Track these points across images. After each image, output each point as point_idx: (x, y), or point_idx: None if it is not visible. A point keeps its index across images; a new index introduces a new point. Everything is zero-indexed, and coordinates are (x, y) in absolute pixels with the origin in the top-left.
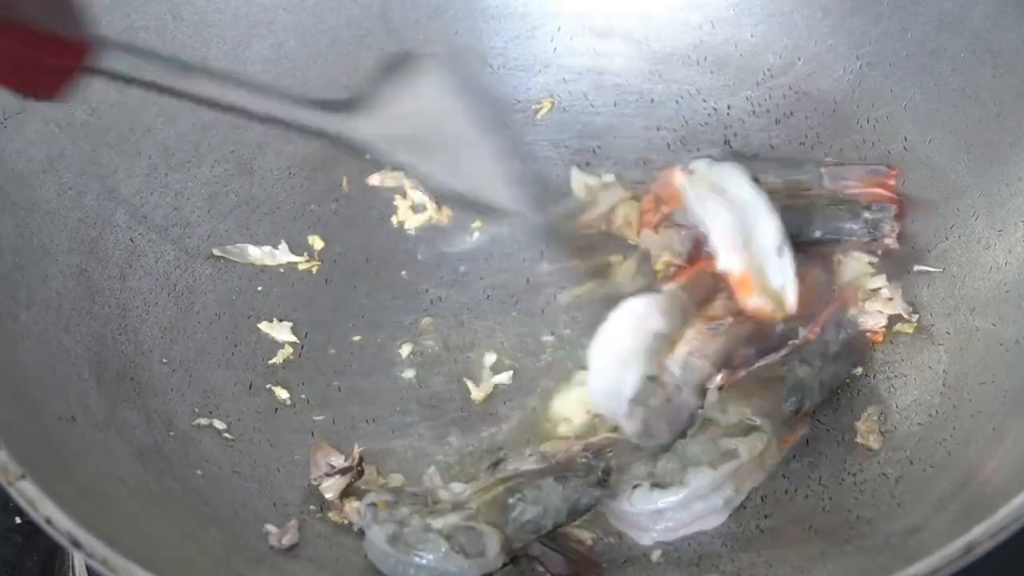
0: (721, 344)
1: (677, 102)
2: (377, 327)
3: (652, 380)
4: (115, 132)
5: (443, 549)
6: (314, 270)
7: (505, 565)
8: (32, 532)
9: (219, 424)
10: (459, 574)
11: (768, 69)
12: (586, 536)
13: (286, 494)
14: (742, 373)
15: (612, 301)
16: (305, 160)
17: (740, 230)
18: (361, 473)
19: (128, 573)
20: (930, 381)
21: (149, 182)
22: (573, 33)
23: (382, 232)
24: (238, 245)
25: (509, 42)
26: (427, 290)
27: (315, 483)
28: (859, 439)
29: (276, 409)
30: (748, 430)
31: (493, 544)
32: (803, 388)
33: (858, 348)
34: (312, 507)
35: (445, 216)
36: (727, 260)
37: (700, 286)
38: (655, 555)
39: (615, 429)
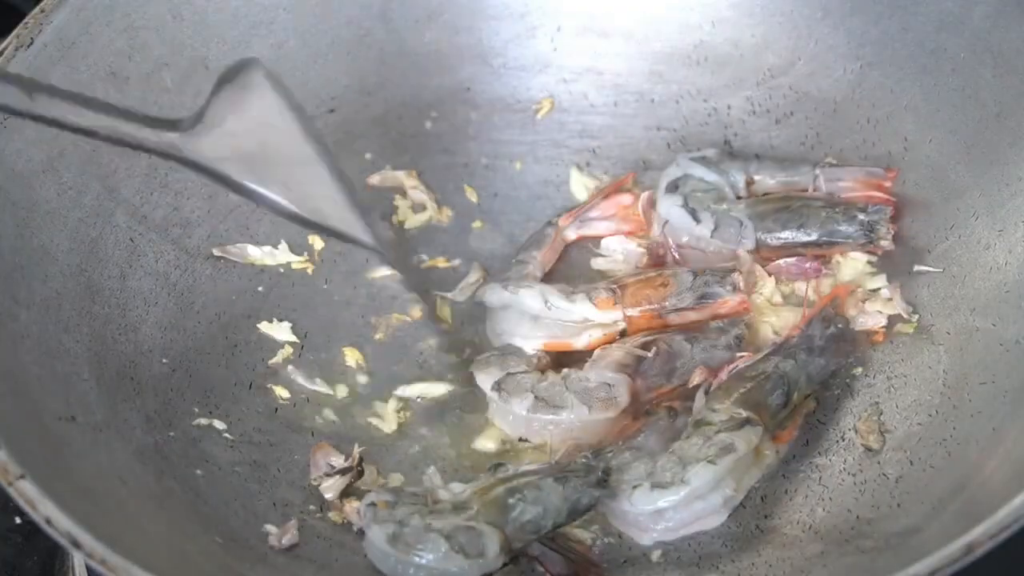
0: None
1: (677, 102)
2: (377, 327)
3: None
4: None
5: (443, 549)
6: (310, 270)
7: (505, 565)
8: (32, 532)
9: (219, 424)
10: (459, 574)
11: (768, 69)
12: (586, 536)
13: (286, 494)
14: (724, 376)
15: None
16: None
17: None
18: (361, 473)
19: (128, 573)
20: (930, 381)
21: (149, 182)
22: (573, 33)
23: (382, 232)
24: (238, 245)
25: (509, 42)
26: (427, 290)
27: (315, 483)
28: (859, 439)
29: (276, 409)
30: (741, 424)
31: (493, 544)
32: (788, 381)
33: (847, 340)
34: (312, 507)
35: (445, 216)
36: None
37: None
38: (655, 555)
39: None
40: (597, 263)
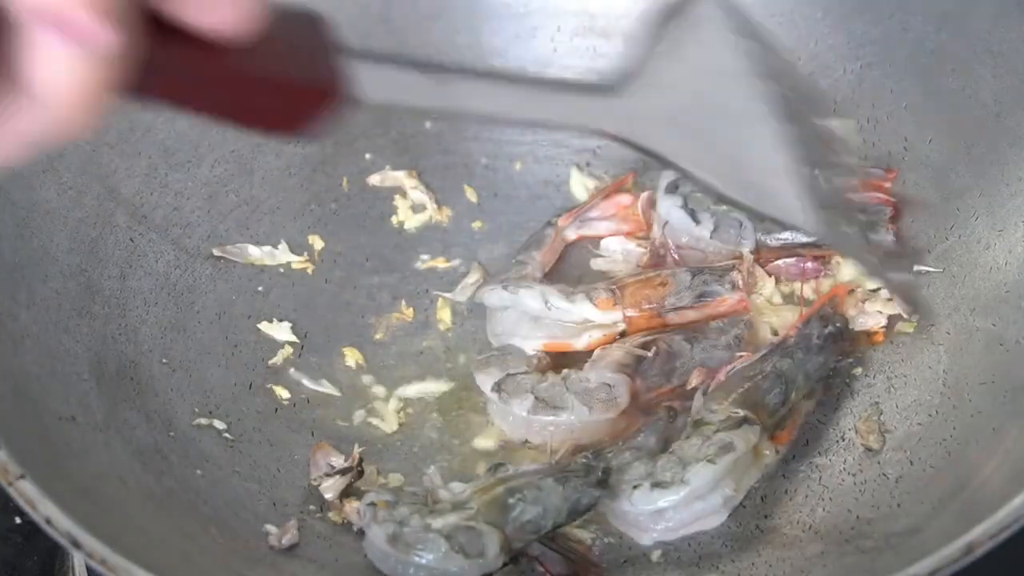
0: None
1: None
2: (377, 327)
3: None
4: (115, 132)
5: (443, 549)
6: (310, 270)
7: (505, 565)
8: (32, 532)
9: (219, 424)
10: (459, 574)
11: None
12: (586, 536)
13: (286, 494)
14: (722, 376)
15: None
16: (305, 160)
17: None
18: (361, 473)
19: (128, 573)
20: (930, 381)
21: (149, 182)
22: (573, 33)
23: (382, 232)
24: (238, 245)
25: (509, 42)
26: (427, 290)
27: (315, 483)
28: (859, 439)
29: (276, 409)
30: (739, 422)
31: (493, 544)
32: (785, 379)
33: (846, 339)
34: (312, 507)
35: (445, 216)
36: None
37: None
38: (655, 555)
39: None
40: (597, 263)
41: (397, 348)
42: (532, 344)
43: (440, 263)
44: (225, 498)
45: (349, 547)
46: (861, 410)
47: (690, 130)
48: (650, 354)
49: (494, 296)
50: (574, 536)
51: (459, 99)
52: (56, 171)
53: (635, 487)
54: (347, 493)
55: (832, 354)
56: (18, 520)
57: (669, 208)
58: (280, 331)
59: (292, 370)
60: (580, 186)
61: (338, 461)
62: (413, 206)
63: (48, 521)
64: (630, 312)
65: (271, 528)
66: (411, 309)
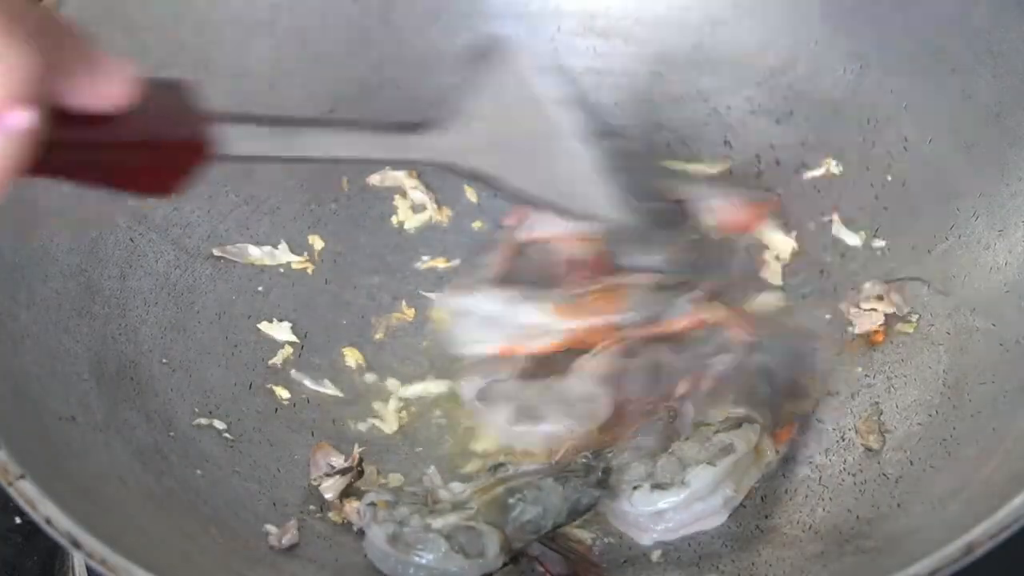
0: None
1: (677, 102)
2: (377, 327)
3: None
4: None
5: (443, 549)
6: (310, 270)
7: (505, 565)
8: (32, 532)
9: (219, 424)
10: (459, 574)
11: (768, 69)
12: (586, 536)
13: (286, 494)
14: (708, 383)
15: None
16: None
17: None
18: (361, 473)
19: (128, 573)
20: (930, 381)
21: None
22: (573, 33)
23: (382, 232)
24: (238, 245)
25: (509, 42)
26: (427, 290)
27: (315, 483)
28: (859, 439)
29: (276, 409)
30: (739, 423)
31: (493, 544)
32: (767, 372)
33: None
34: (312, 507)
35: (445, 216)
36: None
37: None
38: (655, 555)
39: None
40: (554, 267)
41: (397, 348)
42: (488, 347)
43: (440, 263)
44: (225, 498)
45: (349, 547)
46: (861, 410)
47: (511, 153)
48: (634, 363)
49: (450, 303)
50: (574, 536)
51: (307, 149)
52: None
53: (635, 488)
54: (347, 493)
55: (798, 341)
56: (18, 520)
57: None
58: (280, 331)
59: (292, 370)
60: None
61: (338, 461)
62: (413, 206)
63: (48, 521)
64: (587, 320)
65: (271, 528)
66: (411, 309)
